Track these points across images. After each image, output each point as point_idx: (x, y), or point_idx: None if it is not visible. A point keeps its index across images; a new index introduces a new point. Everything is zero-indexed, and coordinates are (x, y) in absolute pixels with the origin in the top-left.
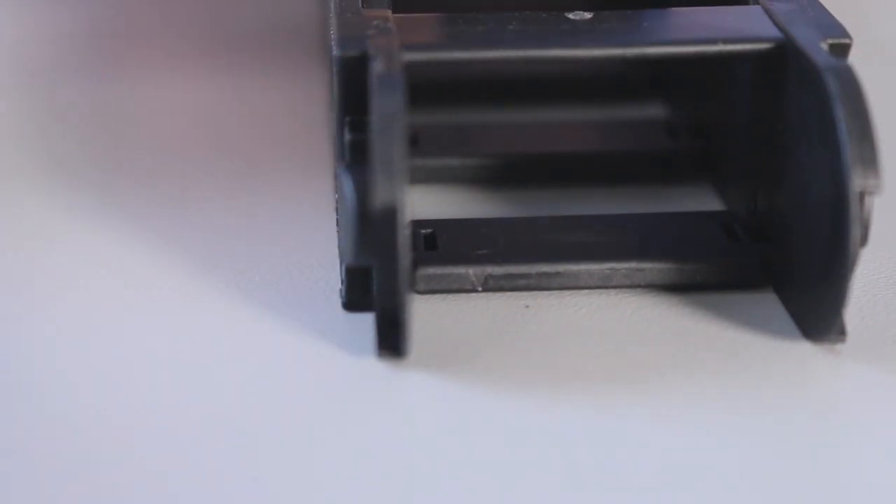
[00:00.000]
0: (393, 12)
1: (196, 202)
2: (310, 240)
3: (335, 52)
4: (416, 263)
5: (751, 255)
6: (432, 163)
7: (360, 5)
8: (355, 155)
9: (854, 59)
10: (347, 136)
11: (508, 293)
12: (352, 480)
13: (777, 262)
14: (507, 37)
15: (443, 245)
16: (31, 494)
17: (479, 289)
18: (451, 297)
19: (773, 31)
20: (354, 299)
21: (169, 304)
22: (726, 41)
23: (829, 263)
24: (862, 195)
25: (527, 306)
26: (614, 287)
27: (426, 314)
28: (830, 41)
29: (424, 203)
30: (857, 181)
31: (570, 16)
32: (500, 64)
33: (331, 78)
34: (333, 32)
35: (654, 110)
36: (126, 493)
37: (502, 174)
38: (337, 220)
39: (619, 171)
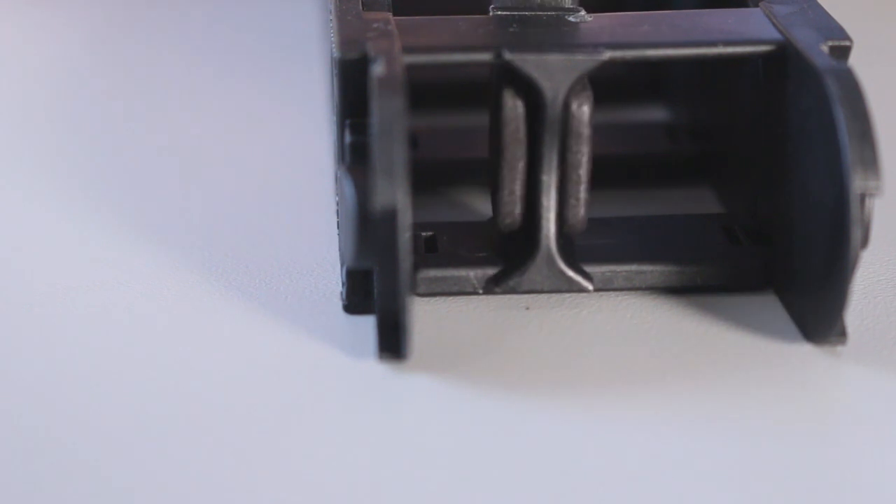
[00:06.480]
0: (393, 15)
1: (196, 203)
2: (310, 242)
3: (336, 54)
4: (417, 266)
5: (751, 257)
6: (433, 165)
7: (361, 8)
8: (356, 157)
9: (854, 61)
10: (348, 139)
11: (509, 295)
12: (352, 483)
13: (778, 265)
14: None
15: (443, 247)
16: (30, 495)
17: (480, 291)
18: (451, 299)
19: (774, 34)
20: (355, 302)
21: (168, 305)
22: (726, 43)
23: (829, 265)
24: (862, 197)
25: (527, 308)
26: (615, 289)
27: (427, 317)
28: (831, 43)
29: (425, 205)
30: (857, 183)
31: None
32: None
33: (331, 80)
34: (334, 35)
35: (655, 113)
36: (124, 495)
37: None
38: (338, 222)
39: (619, 173)
